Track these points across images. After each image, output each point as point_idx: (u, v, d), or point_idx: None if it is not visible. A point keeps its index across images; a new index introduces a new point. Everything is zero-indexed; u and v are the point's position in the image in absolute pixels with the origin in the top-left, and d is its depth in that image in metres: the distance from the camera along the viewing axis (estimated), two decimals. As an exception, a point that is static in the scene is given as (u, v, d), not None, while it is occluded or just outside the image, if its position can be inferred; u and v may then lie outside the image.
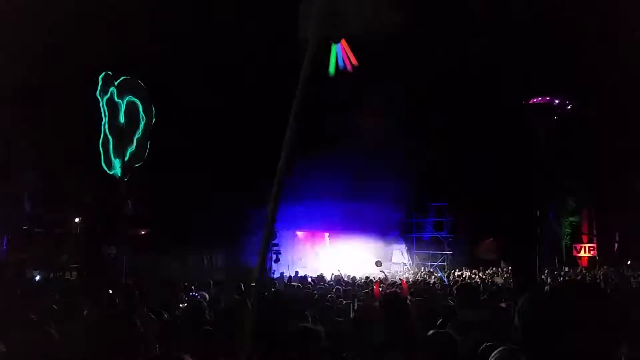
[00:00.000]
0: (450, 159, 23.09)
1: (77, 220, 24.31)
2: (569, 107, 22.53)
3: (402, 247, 26.32)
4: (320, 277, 17.55)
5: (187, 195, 20.90)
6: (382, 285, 11.27)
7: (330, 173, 21.42)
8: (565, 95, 22.54)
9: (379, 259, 21.36)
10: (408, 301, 4.82)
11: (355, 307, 6.88)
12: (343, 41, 2.65)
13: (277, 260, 23.06)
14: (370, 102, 22.00)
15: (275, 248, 23.47)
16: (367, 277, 17.75)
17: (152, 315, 4.93)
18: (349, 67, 2.65)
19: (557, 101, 22.72)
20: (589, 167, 22.58)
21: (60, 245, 21.08)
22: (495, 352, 2.09)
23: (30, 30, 16.59)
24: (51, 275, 17.77)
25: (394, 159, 22.49)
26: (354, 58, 2.66)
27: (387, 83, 21.00)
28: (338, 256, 24.33)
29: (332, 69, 2.66)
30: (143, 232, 22.19)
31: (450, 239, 25.65)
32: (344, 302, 8.09)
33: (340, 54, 2.68)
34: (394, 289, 10.41)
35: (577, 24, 18.68)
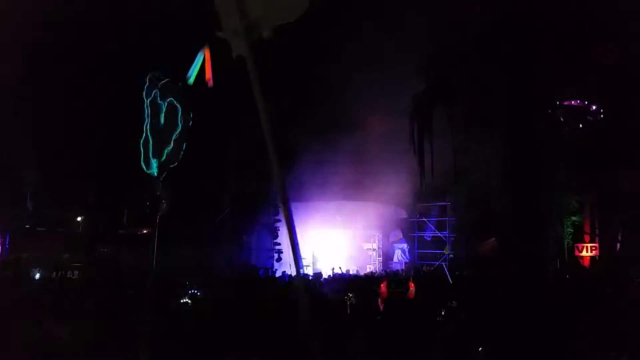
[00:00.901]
0: (454, 158, 23.06)
1: (79, 219, 24.37)
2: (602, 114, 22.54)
3: (404, 246, 26.31)
4: (319, 275, 17.55)
5: (189, 193, 20.91)
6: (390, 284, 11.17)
7: (332, 172, 21.43)
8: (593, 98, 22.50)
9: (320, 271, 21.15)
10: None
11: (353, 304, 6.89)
12: (207, 52, 2.63)
13: (279, 260, 23.08)
14: (374, 99, 21.99)
15: (277, 247, 23.49)
16: (367, 274, 17.76)
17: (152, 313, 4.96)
18: (207, 77, 2.62)
19: (593, 107, 22.71)
20: (592, 165, 22.52)
21: (62, 244, 21.13)
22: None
23: (33, 29, 16.64)
24: (53, 274, 17.81)
25: (397, 157, 22.48)
26: (210, 73, 2.63)
27: (389, 82, 20.99)
28: (339, 254, 24.37)
29: (192, 78, 2.64)
30: (145, 231, 22.22)
31: (453, 239, 25.61)
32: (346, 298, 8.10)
33: (201, 63, 2.66)
34: (400, 289, 10.34)
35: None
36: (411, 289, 9.27)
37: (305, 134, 22.09)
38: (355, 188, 23.21)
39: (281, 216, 23.78)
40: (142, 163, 8.09)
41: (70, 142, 19.33)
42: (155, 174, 7.47)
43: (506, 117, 23.03)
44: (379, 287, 9.29)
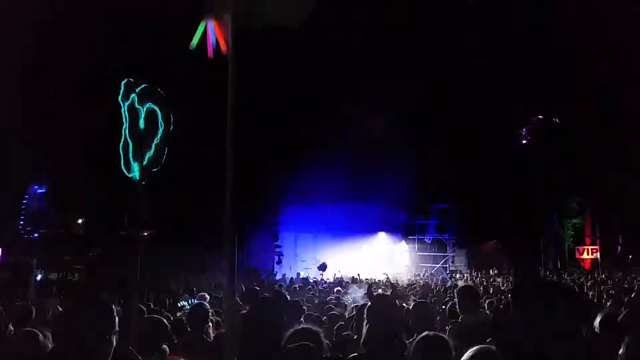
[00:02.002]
0: (453, 160, 23.09)
1: (79, 221, 24.39)
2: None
3: (405, 248, 26.29)
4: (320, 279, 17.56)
5: (189, 196, 20.92)
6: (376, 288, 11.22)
7: (333, 176, 21.41)
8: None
9: (324, 262, 21.19)
10: (401, 304, 4.82)
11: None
12: (215, 22, 2.58)
13: (279, 262, 23.07)
14: (373, 105, 22.00)
15: (277, 250, 23.48)
16: (366, 279, 17.72)
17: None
18: (222, 47, 2.56)
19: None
20: (593, 168, 22.55)
21: (63, 246, 21.14)
22: (470, 351, 2.05)
23: (34, 31, 16.66)
24: (50, 275, 17.82)
25: (397, 161, 22.47)
26: (223, 42, 2.58)
27: (389, 86, 21.03)
28: (340, 258, 24.31)
29: (194, 42, 2.59)
30: (145, 234, 22.15)
31: (453, 241, 25.61)
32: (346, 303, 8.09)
33: (210, 32, 2.61)
34: (388, 291, 10.37)
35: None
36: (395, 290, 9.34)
37: (305, 138, 22.13)
38: (355, 191, 23.19)
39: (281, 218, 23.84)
40: (123, 167, 8.13)
41: (71, 144, 19.36)
42: (137, 177, 7.49)
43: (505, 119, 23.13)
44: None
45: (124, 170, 7.60)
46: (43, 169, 20.48)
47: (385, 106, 21.83)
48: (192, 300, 9.62)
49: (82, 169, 19.42)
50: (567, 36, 19.36)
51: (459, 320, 4.58)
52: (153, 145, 7.96)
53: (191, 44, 2.70)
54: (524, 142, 24.51)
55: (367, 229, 25.26)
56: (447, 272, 23.82)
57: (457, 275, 21.32)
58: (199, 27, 2.69)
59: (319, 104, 22.27)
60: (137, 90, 7.37)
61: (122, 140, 7.59)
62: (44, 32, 16.76)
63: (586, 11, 17.87)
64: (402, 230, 26.59)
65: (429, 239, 26.34)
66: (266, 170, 21.74)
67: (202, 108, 20.22)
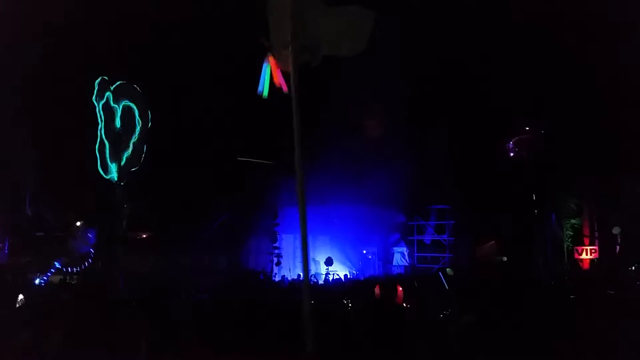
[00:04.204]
0: (452, 162, 23.11)
1: (78, 224, 24.33)
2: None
3: (404, 249, 26.28)
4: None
5: (188, 198, 20.89)
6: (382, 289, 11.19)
7: (331, 176, 21.41)
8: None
9: (330, 256, 22.07)
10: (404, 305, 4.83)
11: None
12: (272, 60, 2.65)
13: (278, 264, 23.05)
14: (372, 104, 22.02)
15: (276, 251, 23.46)
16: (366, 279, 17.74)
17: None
18: (283, 87, 2.65)
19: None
20: (591, 168, 22.57)
21: (61, 249, 21.09)
22: None
23: (31, 31, 16.64)
24: (53, 279, 17.77)
25: (396, 161, 22.47)
26: (279, 79, 2.65)
27: (387, 87, 21.04)
28: (339, 259, 24.33)
29: (265, 91, 2.67)
30: (144, 236, 22.18)
31: (452, 242, 25.60)
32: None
33: (270, 74, 2.67)
34: (390, 293, 10.33)
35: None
36: (399, 292, 9.27)
37: (304, 139, 22.09)
38: (353, 191, 23.18)
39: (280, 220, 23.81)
40: (100, 168, 8.02)
41: (69, 145, 19.33)
42: (115, 179, 7.43)
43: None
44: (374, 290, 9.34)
45: (101, 172, 7.54)
46: (40, 171, 20.44)
47: (384, 106, 21.86)
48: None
49: (81, 171, 19.42)
50: (565, 37, 19.43)
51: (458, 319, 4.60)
52: (131, 144, 7.91)
53: (263, 93, 2.75)
54: (512, 154, 24.81)
55: (367, 229, 25.25)
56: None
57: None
58: (265, 74, 2.75)
59: (319, 104, 22.27)
60: (112, 88, 7.31)
61: (97, 141, 7.54)
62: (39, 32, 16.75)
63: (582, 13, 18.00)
64: (402, 231, 26.60)
65: (428, 240, 26.35)
66: (265, 172, 21.74)
67: (202, 110, 20.22)
